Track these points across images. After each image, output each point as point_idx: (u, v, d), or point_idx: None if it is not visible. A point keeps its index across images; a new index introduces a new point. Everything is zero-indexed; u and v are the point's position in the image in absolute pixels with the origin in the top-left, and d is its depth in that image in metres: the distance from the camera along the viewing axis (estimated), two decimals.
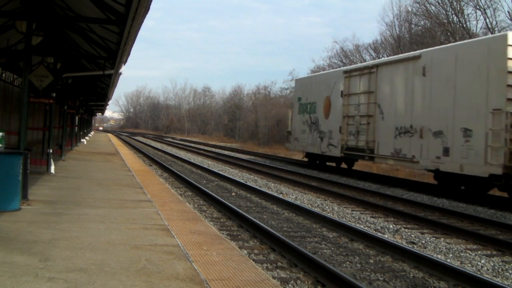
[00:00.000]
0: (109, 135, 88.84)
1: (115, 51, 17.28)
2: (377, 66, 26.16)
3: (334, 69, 36.18)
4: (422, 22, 54.19)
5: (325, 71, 43.10)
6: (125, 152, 37.16)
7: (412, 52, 25.55)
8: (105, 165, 23.72)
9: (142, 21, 11.41)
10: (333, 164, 34.35)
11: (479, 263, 10.65)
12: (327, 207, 16.96)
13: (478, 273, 9.67)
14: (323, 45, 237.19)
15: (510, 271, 10.11)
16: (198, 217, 11.69)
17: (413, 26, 56.52)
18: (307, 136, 33.92)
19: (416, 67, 22.85)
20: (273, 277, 8.34)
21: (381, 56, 56.99)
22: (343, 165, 33.96)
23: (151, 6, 10.06)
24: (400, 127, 23.70)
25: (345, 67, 32.56)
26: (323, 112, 31.70)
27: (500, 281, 9.16)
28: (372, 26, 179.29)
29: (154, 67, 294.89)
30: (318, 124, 32.38)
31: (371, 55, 62.47)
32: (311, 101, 33.61)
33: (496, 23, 45.03)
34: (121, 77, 27.79)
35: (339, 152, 29.13)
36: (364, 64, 29.43)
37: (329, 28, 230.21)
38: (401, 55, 26.77)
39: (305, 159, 36.21)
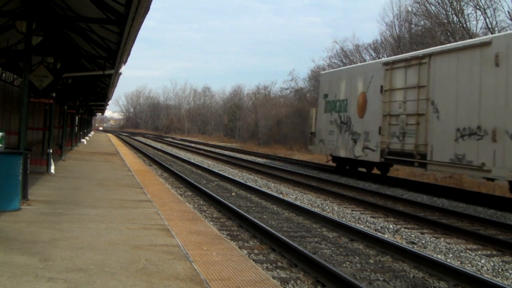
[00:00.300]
0: (109, 135, 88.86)
1: (115, 51, 17.29)
2: (429, 55, 21.86)
3: (371, 61, 31.32)
4: (422, 22, 54.15)
5: (359, 64, 36.67)
6: (125, 152, 37.16)
7: (479, 38, 22.37)
8: (105, 165, 23.72)
9: (142, 21, 11.41)
10: (364, 170, 29.86)
11: (479, 263, 10.65)
12: (327, 207, 16.95)
13: (478, 273, 9.67)
14: (323, 45, 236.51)
15: (510, 271, 10.11)
16: (198, 217, 11.68)
17: (413, 26, 56.46)
18: (336, 138, 29.66)
19: (485, 56, 18.92)
20: (273, 277, 8.35)
21: (381, 56, 56.93)
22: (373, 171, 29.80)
23: (151, 6, 10.06)
24: (463, 128, 19.59)
25: (385, 58, 27.73)
26: (356, 111, 27.55)
27: (500, 281, 9.17)
28: (372, 26, 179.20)
29: (154, 67, 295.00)
30: (350, 125, 28.18)
31: (371, 55, 62.45)
32: (341, 98, 29.44)
33: (496, 23, 45.03)
34: (121, 77, 27.82)
35: (378, 156, 25.02)
36: (411, 54, 24.82)
37: (329, 28, 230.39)
38: (463, 41, 22.89)
39: (331, 164, 32.18)
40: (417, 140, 22.13)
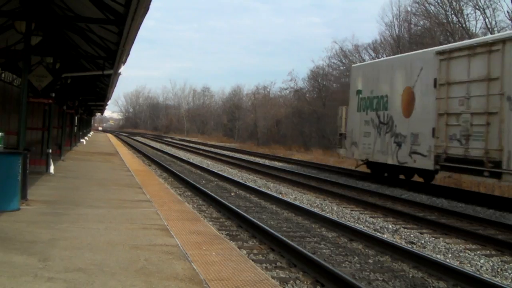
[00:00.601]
0: (108, 135, 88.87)
1: (114, 51, 17.29)
2: (503, 41, 17.74)
3: (419, 51, 26.50)
4: (421, 22, 54.25)
5: (403, 54, 30.55)
6: (124, 152, 37.16)
7: None
8: (104, 165, 23.73)
9: (142, 21, 11.41)
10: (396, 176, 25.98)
11: (478, 263, 10.67)
12: (326, 207, 16.96)
13: (478, 273, 9.67)
14: (323, 45, 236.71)
15: (509, 271, 10.13)
16: (197, 217, 11.71)
17: (412, 26, 56.53)
18: (373, 141, 25.57)
19: None
20: (272, 277, 8.35)
21: (380, 56, 56.96)
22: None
23: (151, 6, 10.06)
24: None
25: (440, 47, 23.15)
26: (400, 109, 23.49)
27: (500, 281, 9.16)
28: (372, 26, 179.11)
29: (153, 67, 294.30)
30: (392, 125, 24.10)
31: (371, 55, 62.47)
32: (380, 94, 25.35)
33: (496, 23, 45.12)
34: (120, 77, 27.79)
35: (432, 163, 20.78)
36: (476, 40, 20.90)
37: (329, 28, 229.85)
38: None
39: (362, 170, 28.72)
40: (488, 145, 18.02)
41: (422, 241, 12.38)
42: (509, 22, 43.04)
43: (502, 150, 17.40)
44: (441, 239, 12.92)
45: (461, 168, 19.43)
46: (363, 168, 28.74)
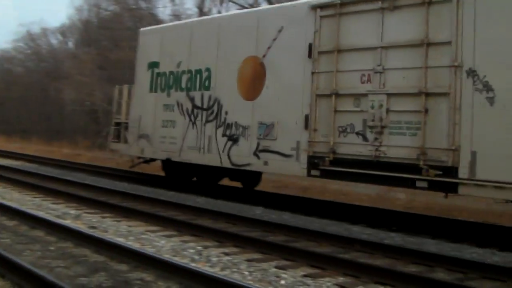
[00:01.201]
0: None
1: None
2: None
3: (281, 4, 18.34)
4: (111, 8, 54.67)
5: (242, 10, 22.87)
6: None
7: None
8: None
9: None
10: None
11: (159, 244, 11.05)
12: (7, 195, 16.17)
13: (158, 253, 10.02)
14: (10, 28, 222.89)
15: (189, 250, 10.65)
16: None
17: (101, 11, 56.62)
18: (181, 133, 18.37)
19: None
20: None
21: (67, 41, 56.23)
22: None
23: None
24: None
25: None
26: (236, 88, 16.65)
27: (179, 260, 9.61)
28: (62, 10, 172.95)
29: None
30: (219, 111, 17.21)
31: (59, 39, 61.50)
32: (195, 67, 18.14)
33: (183, 11, 47.42)
34: None
35: (304, 167, 14.45)
36: None
37: (18, 10, 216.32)
38: None
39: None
40: (425, 141, 12.17)
41: (104, 225, 12.41)
42: (196, 10, 45.65)
43: (458, 150, 11.74)
44: (123, 222, 13.11)
45: (369, 175, 13.13)
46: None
